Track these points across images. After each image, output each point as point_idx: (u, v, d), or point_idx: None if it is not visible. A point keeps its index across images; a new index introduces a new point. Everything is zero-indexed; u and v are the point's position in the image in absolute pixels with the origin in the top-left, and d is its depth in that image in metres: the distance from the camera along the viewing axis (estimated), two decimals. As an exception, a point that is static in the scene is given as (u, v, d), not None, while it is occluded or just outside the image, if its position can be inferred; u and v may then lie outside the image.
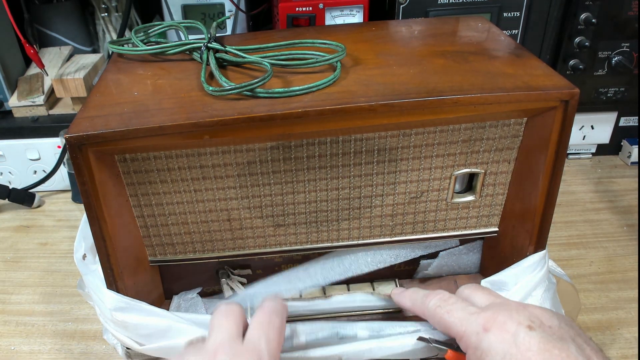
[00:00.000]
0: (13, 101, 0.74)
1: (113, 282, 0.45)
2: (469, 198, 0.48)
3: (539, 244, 0.48)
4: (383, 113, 0.39)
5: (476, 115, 0.41)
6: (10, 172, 0.78)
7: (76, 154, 0.38)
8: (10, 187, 0.75)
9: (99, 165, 0.40)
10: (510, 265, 0.50)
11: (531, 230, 0.47)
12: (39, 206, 0.78)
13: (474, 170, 0.46)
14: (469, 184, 0.48)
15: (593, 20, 0.69)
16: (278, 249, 0.49)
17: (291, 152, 0.43)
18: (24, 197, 0.75)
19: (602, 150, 0.84)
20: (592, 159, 0.84)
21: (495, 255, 0.52)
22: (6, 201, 0.76)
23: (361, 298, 0.49)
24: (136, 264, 0.47)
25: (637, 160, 0.82)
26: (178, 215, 0.46)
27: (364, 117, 0.39)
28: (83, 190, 0.40)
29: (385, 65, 0.45)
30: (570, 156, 0.85)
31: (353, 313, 0.50)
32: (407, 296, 0.44)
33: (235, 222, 0.47)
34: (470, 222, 0.50)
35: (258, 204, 0.46)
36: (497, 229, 0.50)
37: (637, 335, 0.54)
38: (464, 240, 0.51)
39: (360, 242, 0.49)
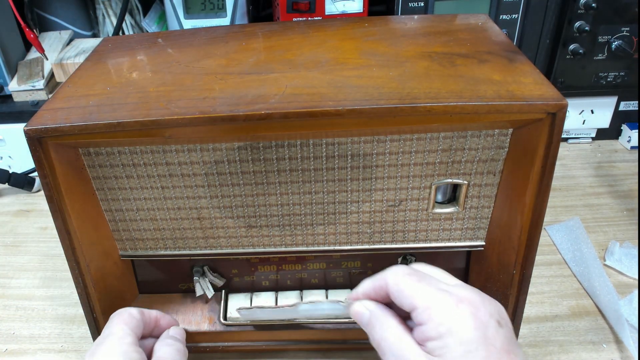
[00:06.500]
0: (13, 85, 0.74)
1: (79, 275, 0.44)
2: (451, 209, 0.45)
3: (526, 264, 0.45)
4: (351, 118, 0.37)
5: (455, 124, 0.39)
6: (10, 157, 0.78)
7: (35, 146, 0.38)
8: (10, 171, 0.75)
9: (60, 158, 0.39)
10: (497, 281, 0.47)
11: (517, 248, 0.44)
12: (38, 190, 0.78)
13: (455, 180, 0.43)
14: (453, 194, 0.46)
15: (593, 5, 0.69)
16: (251, 250, 0.48)
17: (260, 153, 0.41)
18: (24, 182, 0.75)
19: (602, 134, 0.84)
20: (592, 144, 0.84)
21: (482, 271, 0.49)
22: (6, 185, 0.76)
23: (329, 307, 0.47)
24: (105, 258, 0.46)
25: (637, 144, 0.81)
26: (147, 211, 0.45)
27: (332, 121, 0.37)
28: (44, 182, 0.39)
29: (366, 66, 0.43)
30: (570, 140, 0.84)
31: (320, 321, 0.49)
32: (366, 281, 0.37)
33: (205, 221, 0.46)
34: (454, 234, 0.47)
35: (228, 204, 0.44)
36: (483, 243, 0.48)
37: (636, 328, 0.51)
38: (448, 253, 0.49)
39: (337, 247, 0.48)
